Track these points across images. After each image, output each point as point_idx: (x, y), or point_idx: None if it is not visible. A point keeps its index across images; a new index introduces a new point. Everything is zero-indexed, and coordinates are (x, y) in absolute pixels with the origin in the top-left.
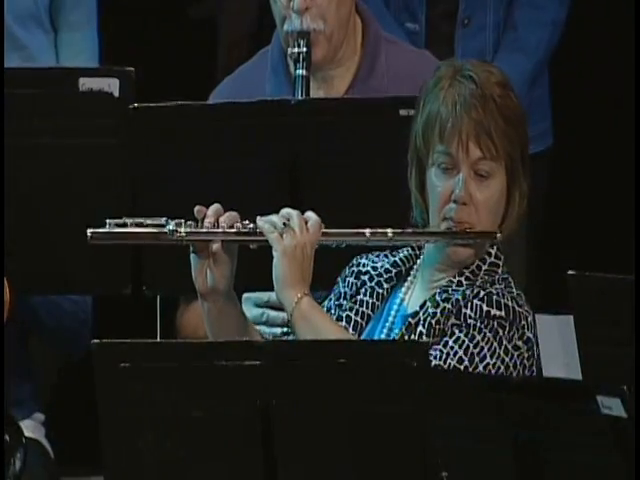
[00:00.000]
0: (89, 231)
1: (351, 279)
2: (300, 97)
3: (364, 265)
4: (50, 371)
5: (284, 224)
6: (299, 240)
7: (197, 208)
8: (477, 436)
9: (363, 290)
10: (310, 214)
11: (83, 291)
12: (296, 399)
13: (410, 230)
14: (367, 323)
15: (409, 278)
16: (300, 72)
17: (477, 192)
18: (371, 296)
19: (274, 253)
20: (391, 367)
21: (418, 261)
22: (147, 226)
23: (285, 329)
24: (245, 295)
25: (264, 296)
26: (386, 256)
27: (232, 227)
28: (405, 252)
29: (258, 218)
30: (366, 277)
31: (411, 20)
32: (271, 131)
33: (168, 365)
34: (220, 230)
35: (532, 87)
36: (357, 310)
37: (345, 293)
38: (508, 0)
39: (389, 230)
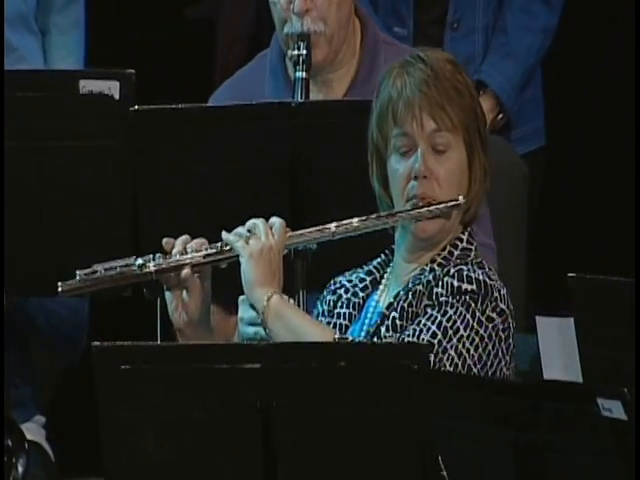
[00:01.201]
0: (59, 285)
1: (328, 297)
2: (300, 100)
3: (340, 282)
4: (51, 374)
5: (249, 231)
6: (264, 243)
7: (165, 240)
8: (477, 438)
9: (340, 303)
10: (274, 219)
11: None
12: (296, 401)
13: (374, 215)
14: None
15: (383, 281)
16: (300, 75)
17: (437, 165)
18: (347, 307)
19: (241, 260)
20: (391, 369)
21: (391, 264)
22: (116, 268)
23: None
24: (241, 297)
25: None
26: (361, 267)
27: (200, 251)
28: (378, 259)
29: (223, 233)
30: (342, 291)
31: (399, 25)
32: (272, 133)
33: (169, 367)
34: (188, 257)
35: (522, 92)
36: (335, 323)
37: (323, 311)
38: (497, 3)
39: (354, 219)
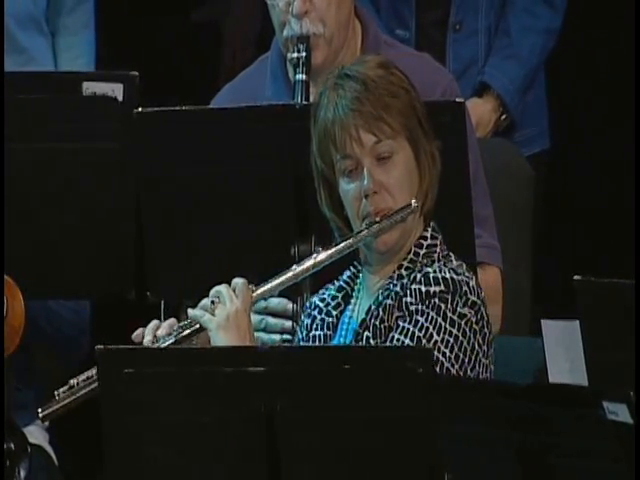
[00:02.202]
0: (39, 412)
1: (305, 321)
2: (301, 102)
3: (313, 303)
4: (53, 376)
5: (212, 302)
6: (230, 310)
7: (134, 334)
8: (482, 441)
9: (314, 325)
10: (236, 280)
11: (87, 296)
12: (301, 405)
13: (332, 245)
14: None
15: (354, 294)
16: (300, 77)
17: (384, 175)
18: (322, 329)
19: (210, 334)
20: (396, 373)
21: (360, 275)
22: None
23: (284, 336)
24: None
25: (263, 303)
26: (332, 283)
27: (170, 334)
28: (348, 273)
29: (189, 310)
30: (316, 312)
31: (401, 27)
32: (276, 135)
33: (173, 371)
34: (161, 344)
35: (525, 93)
36: None
37: (303, 336)
38: (500, 4)
39: (314, 255)
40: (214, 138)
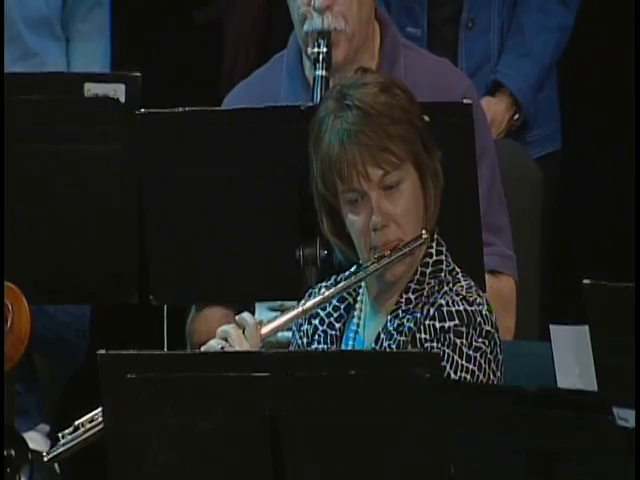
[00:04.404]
0: (44, 455)
1: (304, 326)
2: (317, 100)
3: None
4: (55, 380)
5: (222, 347)
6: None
7: None
8: (491, 448)
9: (316, 337)
10: (245, 318)
11: (89, 300)
12: (307, 411)
13: (342, 279)
14: None
15: (357, 305)
16: (320, 73)
17: (391, 206)
18: (325, 342)
19: None
20: (403, 379)
21: (362, 284)
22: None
23: (286, 350)
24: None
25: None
26: None
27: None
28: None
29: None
30: (317, 321)
31: (412, 25)
32: (280, 137)
33: (176, 376)
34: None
35: (538, 92)
36: None
37: (303, 343)
38: (512, 1)
39: (323, 290)
40: (218, 140)
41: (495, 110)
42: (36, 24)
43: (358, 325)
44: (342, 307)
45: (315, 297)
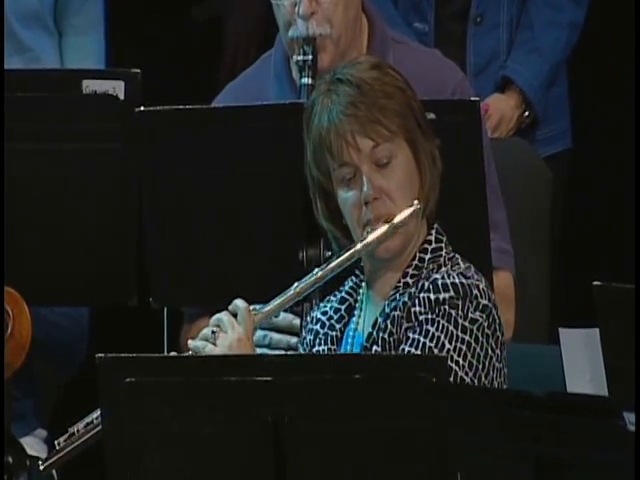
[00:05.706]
0: (40, 464)
1: (307, 337)
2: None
3: (315, 317)
4: (52, 385)
5: (213, 332)
6: (232, 338)
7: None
8: (499, 453)
9: (318, 340)
10: (238, 304)
11: (88, 302)
12: (310, 415)
13: (334, 258)
14: None
15: (357, 305)
16: (305, 81)
17: (383, 181)
18: (326, 343)
19: None
20: (408, 382)
21: (363, 284)
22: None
23: (289, 353)
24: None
25: None
26: (334, 295)
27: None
28: (350, 283)
29: (189, 342)
30: (318, 326)
31: (420, 20)
32: (283, 134)
33: (176, 380)
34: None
35: (548, 89)
36: None
37: (306, 351)
38: None
39: (315, 270)
40: (218, 137)
41: (505, 107)
42: (28, 19)
43: (357, 323)
44: (343, 308)
45: (309, 278)
